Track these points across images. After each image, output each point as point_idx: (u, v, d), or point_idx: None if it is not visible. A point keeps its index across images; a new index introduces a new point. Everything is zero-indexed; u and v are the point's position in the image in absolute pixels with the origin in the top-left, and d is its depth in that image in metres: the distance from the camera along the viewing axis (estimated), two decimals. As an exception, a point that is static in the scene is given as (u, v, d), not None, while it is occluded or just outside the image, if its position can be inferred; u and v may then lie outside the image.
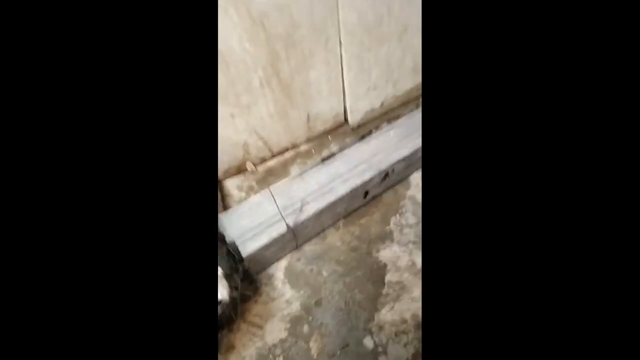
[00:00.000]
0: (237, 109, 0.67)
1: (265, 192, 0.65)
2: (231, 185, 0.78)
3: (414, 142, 0.71)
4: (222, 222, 0.62)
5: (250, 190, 0.80)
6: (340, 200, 0.65)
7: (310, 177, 0.67)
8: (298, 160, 0.84)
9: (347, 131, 0.88)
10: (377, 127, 0.82)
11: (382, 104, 0.86)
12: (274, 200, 0.63)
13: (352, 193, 0.67)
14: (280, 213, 0.62)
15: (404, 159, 0.70)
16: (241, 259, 0.62)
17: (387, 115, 0.89)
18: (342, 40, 0.69)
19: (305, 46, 0.66)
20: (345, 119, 0.85)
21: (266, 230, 0.61)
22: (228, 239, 0.61)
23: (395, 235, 0.73)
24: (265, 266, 0.67)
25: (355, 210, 0.72)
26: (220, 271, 0.60)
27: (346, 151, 0.70)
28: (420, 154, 0.74)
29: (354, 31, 0.69)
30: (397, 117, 0.83)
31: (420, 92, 0.89)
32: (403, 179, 0.76)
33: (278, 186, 0.66)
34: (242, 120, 0.70)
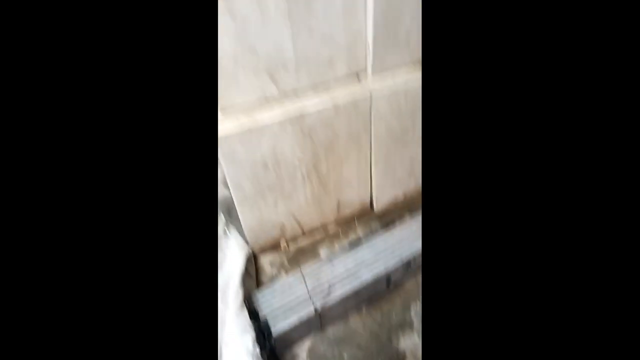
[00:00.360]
0: (281, 197, 0.79)
1: (296, 273, 0.72)
2: (265, 262, 0.86)
3: None
4: (257, 299, 0.68)
5: (282, 268, 0.87)
6: (365, 286, 0.71)
7: (339, 261, 0.74)
8: (326, 241, 0.92)
9: (372, 217, 0.97)
10: (400, 216, 0.90)
11: (404, 195, 0.96)
12: (304, 281, 0.70)
13: (376, 280, 0.72)
14: (309, 295, 0.68)
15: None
16: (270, 337, 0.67)
17: (408, 204, 0.98)
18: (372, 145, 0.83)
19: (342, 150, 0.79)
20: (371, 206, 0.95)
21: (295, 310, 0.66)
22: (261, 315, 0.67)
23: (416, 324, 0.75)
24: (290, 345, 0.70)
25: (378, 296, 0.77)
26: (250, 347, 0.65)
27: (372, 239, 0.78)
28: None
29: (383, 139, 0.82)
30: (418, 207, 0.92)
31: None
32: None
33: (308, 268, 0.74)
34: (283, 206, 0.81)
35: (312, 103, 0.71)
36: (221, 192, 1.06)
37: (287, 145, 0.71)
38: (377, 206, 0.93)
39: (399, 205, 0.97)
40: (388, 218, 0.95)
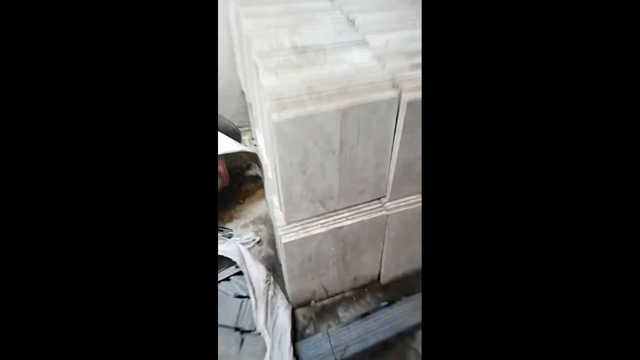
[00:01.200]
0: (316, 275, 1.11)
1: (324, 333, 1.04)
2: (299, 313, 1.18)
3: None
4: (298, 348, 1.00)
5: (311, 320, 1.19)
6: (370, 347, 1.02)
7: (354, 327, 1.06)
8: (344, 303, 1.24)
9: (379, 287, 1.29)
10: (399, 291, 1.21)
11: (404, 274, 1.27)
12: (329, 340, 1.02)
13: (378, 343, 1.04)
14: (332, 351, 1.00)
15: (414, 325, 1.07)
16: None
17: (407, 280, 1.29)
18: (384, 244, 1.14)
19: (362, 247, 1.11)
20: (379, 279, 1.26)
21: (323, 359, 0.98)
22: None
23: (402, 376, 1.06)
24: (314, 381, 1.02)
25: (378, 353, 1.08)
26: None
27: (377, 314, 1.10)
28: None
29: (392, 241, 1.13)
30: (413, 286, 1.23)
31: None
32: (411, 334, 1.12)
33: (333, 330, 1.06)
34: (317, 280, 1.13)
35: (347, 219, 1.03)
36: (267, 251, 1.40)
37: (326, 245, 1.03)
38: (383, 280, 1.25)
39: (399, 280, 1.28)
40: (390, 289, 1.26)
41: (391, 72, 0.90)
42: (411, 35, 1.04)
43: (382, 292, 1.27)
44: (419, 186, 1.08)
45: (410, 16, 1.14)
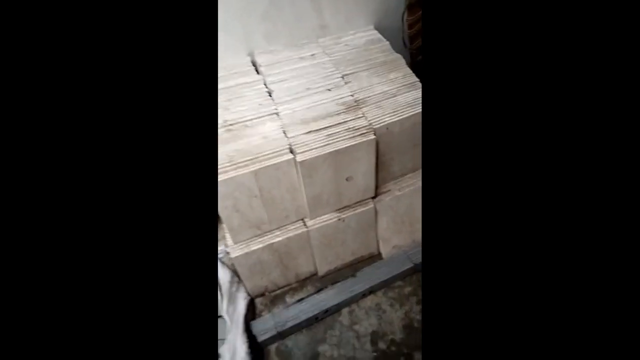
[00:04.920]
0: (265, 276, 1.56)
1: (271, 314, 1.51)
2: (258, 302, 1.64)
3: (347, 296, 1.54)
4: (252, 326, 1.47)
5: (266, 306, 1.65)
6: (303, 321, 1.48)
7: (292, 309, 1.52)
8: (291, 292, 1.69)
9: (317, 278, 1.73)
10: (332, 281, 1.66)
11: (336, 267, 1.71)
12: (274, 318, 1.49)
13: (309, 319, 1.50)
14: (275, 326, 1.46)
15: (337, 304, 1.52)
16: (257, 343, 1.45)
17: (338, 272, 1.72)
18: (313, 250, 1.57)
19: (295, 254, 1.55)
20: (317, 273, 1.71)
21: (269, 332, 1.45)
22: (254, 332, 1.46)
23: (335, 340, 1.52)
24: (267, 346, 1.49)
25: (312, 325, 1.54)
26: (245, 349, 1.43)
27: (309, 297, 1.55)
28: (345, 306, 1.55)
29: (318, 246, 1.56)
30: (344, 276, 1.67)
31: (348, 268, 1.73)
32: (337, 311, 1.57)
33: (276, 311, 1.52)
34: (267, 278, 1.58)
35: (277, 237, 1.46)
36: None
37: (265, 256, 1.48)
38: (319, 273, 1.69)
39: (332, 272, 1.72)
40: (326, 279, 1.70)
41: (290, 139, 1.31)
42: (312, 102, 1.44)
43: (319, 282, 1.72)
44: (331, 208, 1.50)
45: (318, 82, 1.53)
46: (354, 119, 1.38)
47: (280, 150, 1.28)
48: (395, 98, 1.47)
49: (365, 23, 1.82)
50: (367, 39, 1.75)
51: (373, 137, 1.33)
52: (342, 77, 1.56)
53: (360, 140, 1.32)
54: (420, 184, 1.66)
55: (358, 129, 1.35)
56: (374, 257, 1.79)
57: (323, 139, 1.32)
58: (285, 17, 1.59)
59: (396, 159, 1.56)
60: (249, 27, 1.56)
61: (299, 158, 1.26)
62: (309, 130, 1.35)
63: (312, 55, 1.67)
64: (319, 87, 1.51)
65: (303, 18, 1.63)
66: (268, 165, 1.25)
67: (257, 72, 1.61)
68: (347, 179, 1.43)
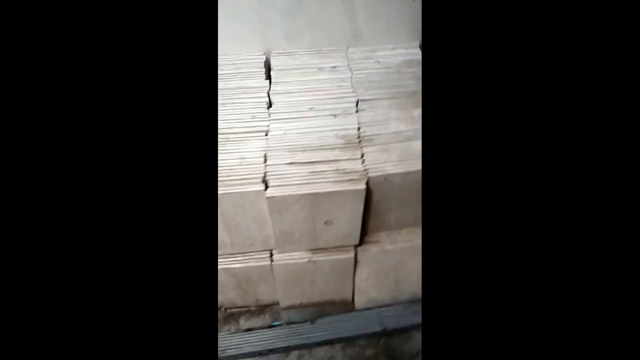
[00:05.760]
0: (222, 293, 1.46)
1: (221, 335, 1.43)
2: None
3: (299, 342, 1.40)
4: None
5: (219, 321, 1.58)
6: (243, 355, 1.38)
7: (236, 337, 1.42)
8: (247, 314, 1.59)
9: (279, 309, 1.60)
10: (290, 320, 1.52)
11: (300, 304, 1.56)
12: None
13: (252, 353, 1.39)
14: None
15: (285, 347, 1.39)
16: None
17: (304, 308, 1.57)
18: (276, 282, 1.43)
19: (254, 281, 1.42)
20: (278, 303, 1.57)
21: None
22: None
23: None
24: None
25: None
26: None
27: (257, 331, 1.44)
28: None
29: (281, 280, 1.42)
30: (307, 316, 1.52)
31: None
32: (285, 352, 1.44)
33: (223, 334, 1.43)
34: (223, 296, 1.49)
35: (238, 262, 1.34)
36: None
37: (223, 278, 1.37)
38: (281, 305, 1.56)
39: (296, 307, 1.58)
40: (289, 312, 1.57)
41: (268, 167, 1.14)
42: (309, 126, 1.24)
43: (281, 313, 1.59)
44: (303, 247, 1.33)
45: (326, 103, 1.31)
46: (348, 160, 1.16)
47: (252, 179, 1.12)
48: (409, 143, 1.21)
49: (410, 38, 1.52)
50: (406, 58, 1.47)
51: (363, 187, 1.11)
52: (357, 102, 1.32)
53: (345, 188, 1.11)
54: (419, 242, 1.41)
55: (349, 173, 1.14)
56: (347, 304, 1.61)
57: (304, 176, 1.13)
58: (309, 15, 1.37)
59: (394, 210, 1.32)
60: (266, 21, 1.37)
61: (268, 193, 1.10)
62: (293, 161, 1.16)
63: (333, 67, 1.44)
64: (325, 109, 1.29)
65: (331, 20, 1.39)
66: (233, 192, 1.11)
67: (267, 75, 1.43)
68: (325, 223, 1.23)
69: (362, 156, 1.18)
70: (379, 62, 1.46)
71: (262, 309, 1.63)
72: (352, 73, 1.42)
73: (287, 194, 1.10)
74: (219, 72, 1.39)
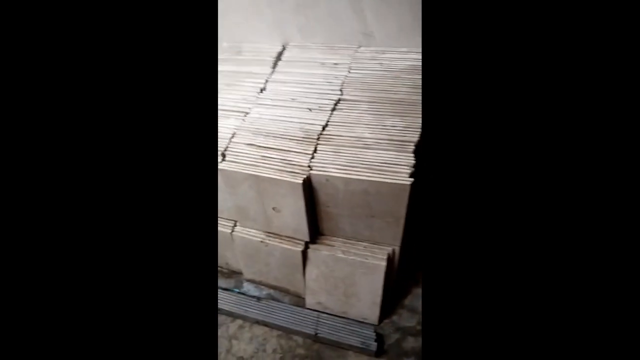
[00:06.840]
0: None
1: None
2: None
3: (239, 310, 1.51)
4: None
5: None
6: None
7: None
8: (219, 274, 1.77)
9: (243, 279, 1.72)
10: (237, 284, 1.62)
11: (260, 282, 1.64)
12: None
13: None
14: None
15: (229, 311, 1.52)
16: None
17: (263, 286, 1.65)
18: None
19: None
20: (242, 273, 1.69)
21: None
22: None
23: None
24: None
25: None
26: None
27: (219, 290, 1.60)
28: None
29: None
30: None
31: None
32: (228, 316, 1.56)
33: None
34: None
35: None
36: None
37: None
38: (245, 276, 1.67)
39: (257, 283, 1.66)
40: (250, 283, 1.67)
41: (231, 144, 1.25)
42: (282, 115, 1.29)
43: (242, 283, 1.71)
44: (259, 226, 1.40)
45: (309, 96, 1.33)
46: (298, 153, 1.18)
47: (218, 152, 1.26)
48: (364, 151, 1.13)
49: (432, 44, 1.38)
50: (413, 63, 1.34)
51: (299, 182, 1.11)
52: (337, 101, 1.30)
53: (282, 178, 1.13)
54: (374, 262, 1.30)
55: (293, 165, 1.15)
56: (299, 299, 1.61)
57: (255, 159, 1.20)
58: (319, 13, 1.39)
59: (346, 218, 1.26)
60: (280, 16, 1.46)
61: (221, 165, 1.22)
62: (252, 143, 1.24)
63: (335, 64, 1.43)
64: (305, 102, 1.32)
65: (340, 18, 1.38)
66: (197, 158, 1.27)
67: (275, 64, 1.53)
68: (273, 209, 1.28)
69: (313, 153, 1.17)
70: (382, 64, 1.38)
71: (231, 273, 1.80)
72: (349, 72, 1.39)
73: (236, 170, 1.20)
74: (235, 58, 1.58)
